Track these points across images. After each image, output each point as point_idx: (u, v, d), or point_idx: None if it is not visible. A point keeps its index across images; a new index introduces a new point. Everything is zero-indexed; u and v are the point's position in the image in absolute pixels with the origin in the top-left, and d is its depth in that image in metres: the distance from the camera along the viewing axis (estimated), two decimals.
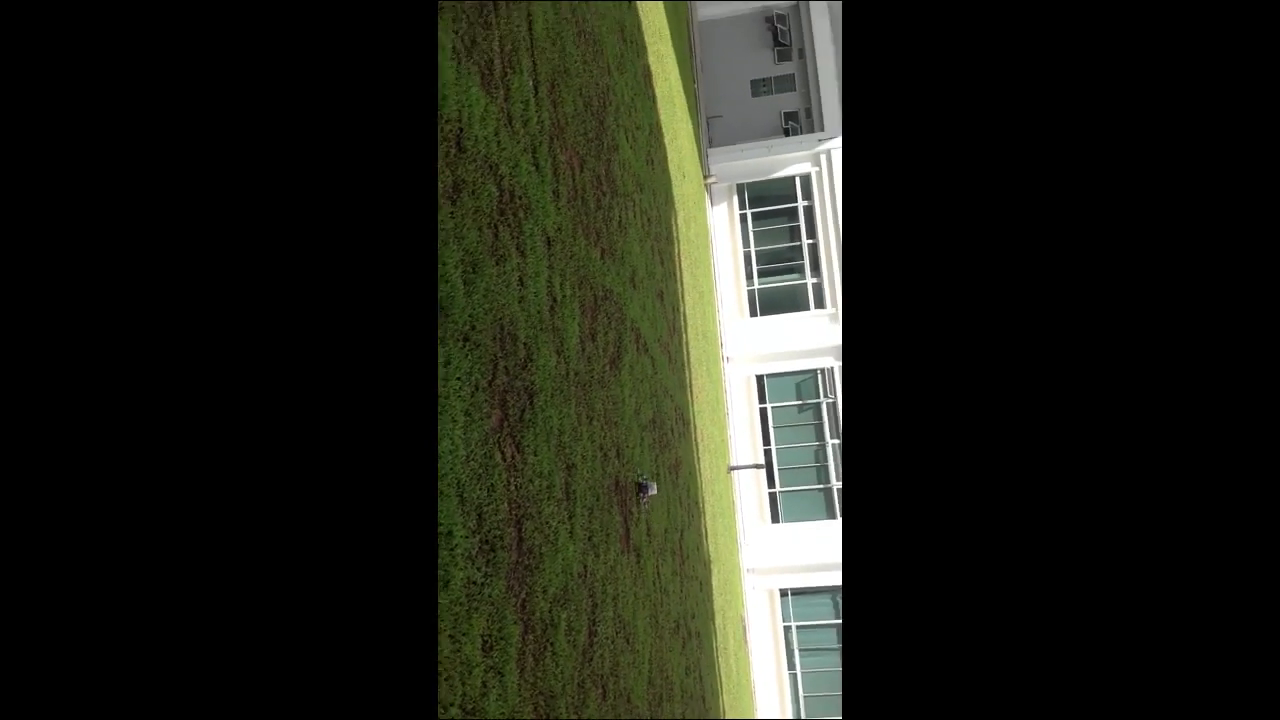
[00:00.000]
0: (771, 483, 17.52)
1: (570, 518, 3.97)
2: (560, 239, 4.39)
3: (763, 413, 18.40)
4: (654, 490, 5.81)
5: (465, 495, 2.81)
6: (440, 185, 2.84)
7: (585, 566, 4.14)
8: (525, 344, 3.60)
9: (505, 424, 3.29)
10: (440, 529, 2.56)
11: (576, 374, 4.40)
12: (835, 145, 18.63)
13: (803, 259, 18.94)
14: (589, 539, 4.26)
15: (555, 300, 4.17)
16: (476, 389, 3.02)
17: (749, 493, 17.14)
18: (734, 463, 16.33)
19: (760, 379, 18.57)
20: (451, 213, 2.96)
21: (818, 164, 18.87)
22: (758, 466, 16.47)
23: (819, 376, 18.31)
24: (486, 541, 2.95)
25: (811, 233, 18.89)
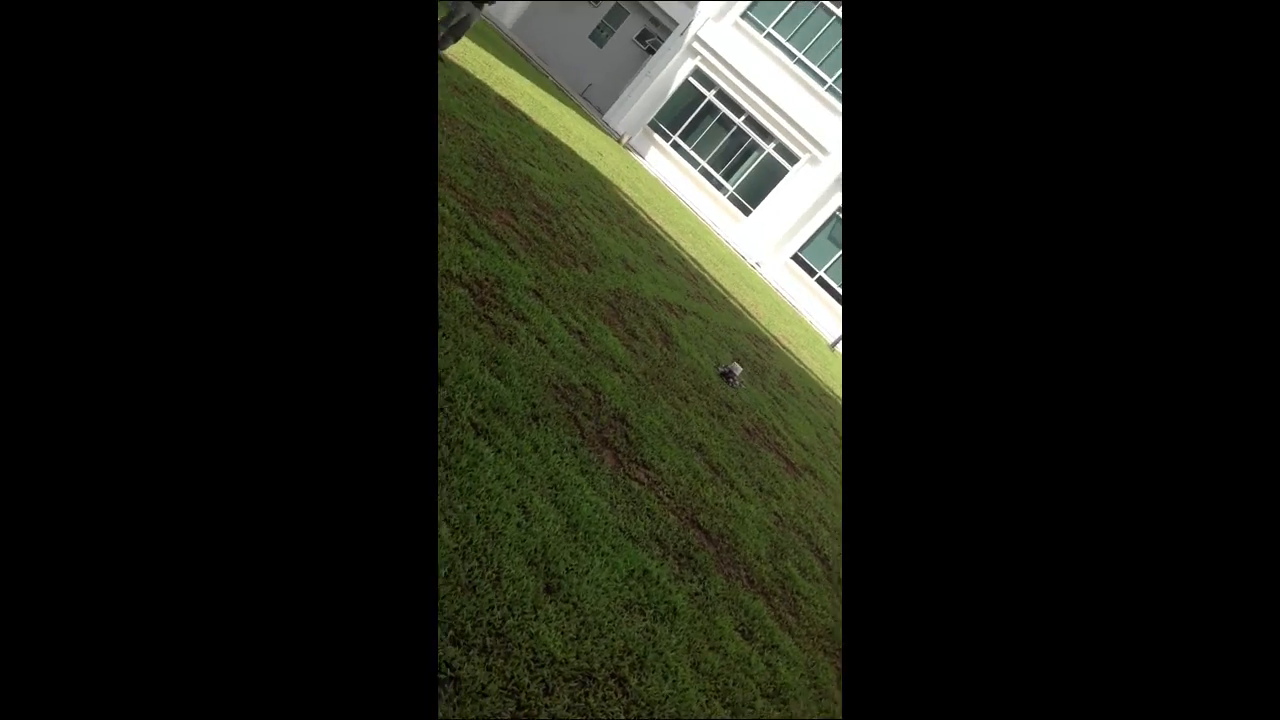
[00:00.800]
0: None
1: (732, 486, 4.00)
2: (544, 284, 4.44)
3: (820, 281, 18.13)
4: (739, 369, 5.79)
5: (634, 534, 2.86)
6: None
7: (775, 514, 4.16)
8: (585, 385, 3.65)
9: (619, 457, 3.34)
10: (634, 573, 2.61)
11: (644, 373, 4.43)
12: (697, 25, 18.27)
13: (749, 136, 18.60)
14: (760, 489, 4.28)
15: (580, 333, 4.21)
16: (575, 449, 3.08)
17: None
18: (830, 340, 16.15)
19: (797, 257, 18.30)
20: (443, 332, 3.03)
21: (695, 53, 18.53)
22: None
23: (841, 216, 17.95)
24: (681, 555, 3.00)
25: (738, 110, 18.55)
